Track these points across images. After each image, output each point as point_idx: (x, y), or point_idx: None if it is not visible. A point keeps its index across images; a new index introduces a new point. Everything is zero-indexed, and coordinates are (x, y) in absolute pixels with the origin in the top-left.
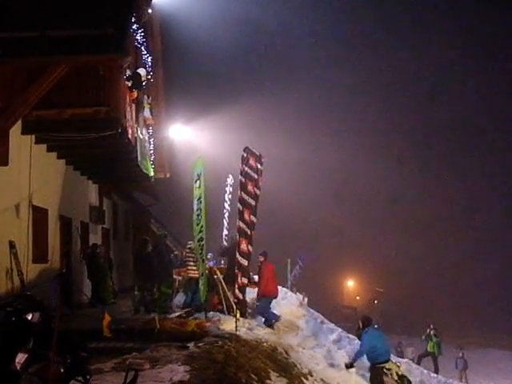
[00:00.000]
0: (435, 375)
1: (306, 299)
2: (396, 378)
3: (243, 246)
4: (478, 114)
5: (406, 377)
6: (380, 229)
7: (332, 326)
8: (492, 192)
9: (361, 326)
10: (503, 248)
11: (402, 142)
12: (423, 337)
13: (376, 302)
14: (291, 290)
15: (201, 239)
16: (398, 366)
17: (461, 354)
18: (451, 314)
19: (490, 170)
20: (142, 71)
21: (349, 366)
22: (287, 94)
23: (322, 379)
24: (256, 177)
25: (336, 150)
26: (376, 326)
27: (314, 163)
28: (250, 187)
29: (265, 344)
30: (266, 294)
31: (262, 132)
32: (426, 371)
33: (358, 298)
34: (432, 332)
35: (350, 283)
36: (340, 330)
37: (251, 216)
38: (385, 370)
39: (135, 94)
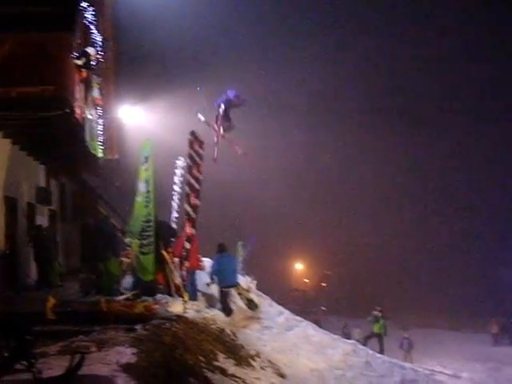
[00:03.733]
0: (380, 355)
1: (254, 282)
2: (246, 301)
3: (187, 228)
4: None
5: (253, 301)
6: (330, 212)
7: (280, 308)
8: (445, 177)
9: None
10: (450, 233)
11: (350, 124)
12: (370, 318)
13: (324, 284)
14: (240, 274)
15: (148, 221)
16: (248, 291)
17: (406, 335)
18: (397, 295)
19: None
20: (91, 50)
21: (209, 284)
22: (240, 76)
23: (269, 360)
24: (199, 161)
25: (286, 133)
26: (228, 254)
27: (264, 147)
28: (195, 171)
29: (213, 326)
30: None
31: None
32: (371, 352)
33: (306, 280)
34: (378, 314)
35: (299, 266)
36: (288, 312)
37: (196, 199)
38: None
39: (84, 73)
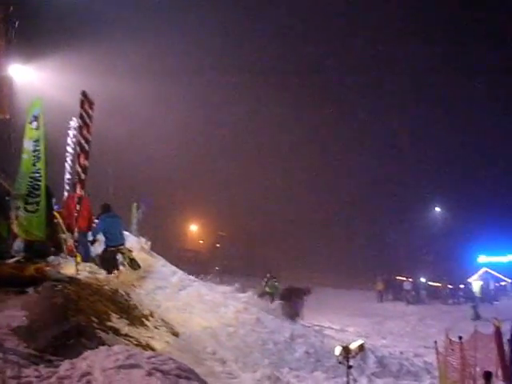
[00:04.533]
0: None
1: (148, 243)
2: (128, 260)
3: (78, 190)
4: None
5: (135, 260)
6: (224, 174)
7: (174, 268)
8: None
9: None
10: (339, 197)
11: (245, 80)
12: (263, 282)
13: (218, 245)
14: (134, 235)
15: (36, 179)
16: (131, 251)
17: None
18: (290, 255)
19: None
20: None
21: (92, 241)
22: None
23: (162, 320)
24: (89, 122)
25: (180, 95)
26: (113, 214)
27: (159, 108)
28: (85, 132)
29: (106, 287)
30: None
31: (110, 73)
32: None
33: (201, 241)
34: (270, 276)
35: (194, 227)
36: (182, 272)
37: (85, 160)
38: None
39: None
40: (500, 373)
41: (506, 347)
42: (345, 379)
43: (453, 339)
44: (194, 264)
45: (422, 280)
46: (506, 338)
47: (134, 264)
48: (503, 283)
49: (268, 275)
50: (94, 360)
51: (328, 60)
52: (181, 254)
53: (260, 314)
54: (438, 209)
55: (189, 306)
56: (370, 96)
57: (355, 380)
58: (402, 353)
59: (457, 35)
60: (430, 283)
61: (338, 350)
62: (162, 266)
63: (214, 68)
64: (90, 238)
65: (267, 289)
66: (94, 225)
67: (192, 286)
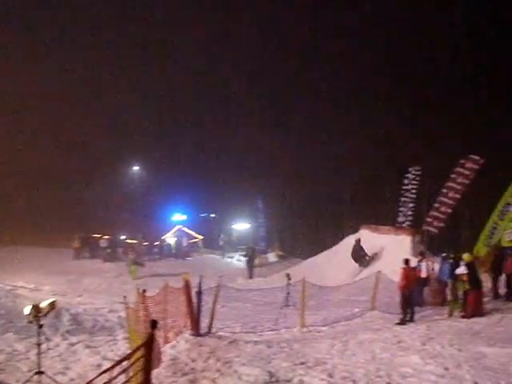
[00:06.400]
0: None
1: None
2: None
3: None
4: None
5: None
6: None
7: None
8: None
9: None
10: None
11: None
12: None
13: None
14: None
15: None
16: None
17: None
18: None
19: None
20: None
21: None
22: None
23: None
24: None
25: None
26: None
27: None
28: None
29: None
30: None
31: None
32: None
33: None
34: None
35: None
36: None
37: None
38: None
39: None
40: (189, 323)
41: (195, 299)
42: (37, 339)
43: (144, 294)
44: None
45: (121, 237)
46: (194, 290)
47: None
48: (195, 240)
49: None
50: None
51: None
52: None
53: None
54: (136, 168)
55: None
56: None
57: (49, 339)
58: (97, 309)
59: None
60: (127, 241)
61: (27, 310)
62: None
63: None
64: None
65: None
66: None
67: None
